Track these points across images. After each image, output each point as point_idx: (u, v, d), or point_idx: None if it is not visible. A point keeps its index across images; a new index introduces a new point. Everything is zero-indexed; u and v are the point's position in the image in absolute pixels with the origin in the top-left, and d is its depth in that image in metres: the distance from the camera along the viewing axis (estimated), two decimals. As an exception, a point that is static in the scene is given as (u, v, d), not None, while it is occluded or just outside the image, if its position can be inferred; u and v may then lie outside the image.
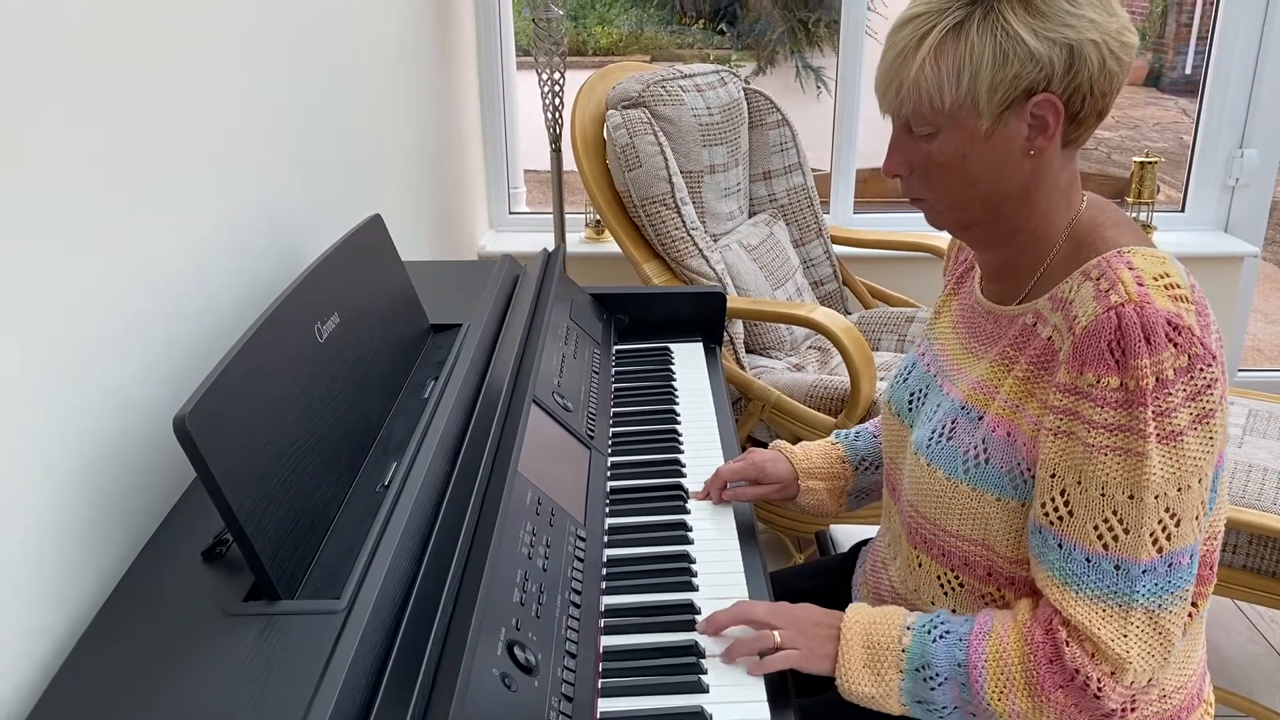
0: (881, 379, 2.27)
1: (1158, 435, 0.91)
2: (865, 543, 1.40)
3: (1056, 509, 0.97)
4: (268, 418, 0.98)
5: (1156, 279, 0.94)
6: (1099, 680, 0.94)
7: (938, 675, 1.00)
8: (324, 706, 0.75)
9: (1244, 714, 1.95)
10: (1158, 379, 0.90)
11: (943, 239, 2.68)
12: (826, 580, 1.41)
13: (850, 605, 1.09)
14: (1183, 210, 3.12)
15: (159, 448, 1.10)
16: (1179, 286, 0.94)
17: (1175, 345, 0.90)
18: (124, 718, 0.79)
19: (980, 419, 1.06)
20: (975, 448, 1.05)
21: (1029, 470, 1.01)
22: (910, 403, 1.20)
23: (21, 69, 0.89)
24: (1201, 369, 0.91)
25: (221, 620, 0.88)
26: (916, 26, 0.99)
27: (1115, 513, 0.93)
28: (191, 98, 1.20)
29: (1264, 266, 4.83)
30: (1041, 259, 1.05)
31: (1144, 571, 0.93)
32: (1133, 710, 1.01)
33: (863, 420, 2.12)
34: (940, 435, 1.09)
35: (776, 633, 1.05)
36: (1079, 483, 0.95)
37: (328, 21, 1.68)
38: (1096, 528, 0.94)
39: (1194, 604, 1.04)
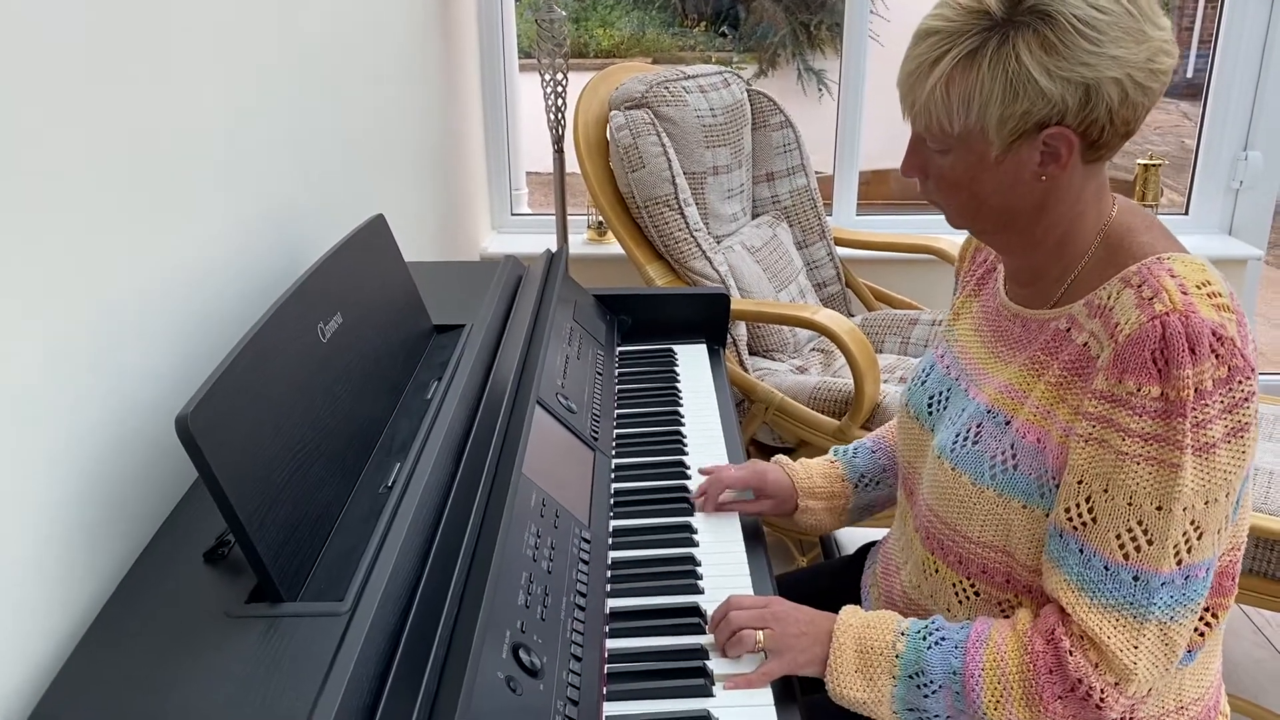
0: (885, 381, 2.26)
1: (1193, 447, 0.89)
2: (873, 544, 1.39)
3: (1080, 514, 0.95)
4: (270, 418, 0.97)
5: (1199, 286, 0.92)
6: (1102, 691, 0.93)
7: (932, 683, 0.99)
8: (328, 709, 0.74)
9: (1251, 719, 1.94)
10: (1196, 389, 0.88)
11: (946, 241, 2.67)
12: (833, 583, 1.39)
13: (844, 608, 1.07)
14: (1186, 213, 3.11)
15: (160, 448, 1.09)
16: (1221, 295, 0.93)
17: (1217, 356, 0.89)
18: (125, 720, 0.78)
19: (1008, 423, 1.04)
20: (1003, 453, 1.03)
21: (1055, 478, 0.99)
22: (930, 406, 1.18)
23: (26, 72, 0.88)
24: (1240, 381, 0.90)
25: (224, 622, 0.87)
26: (932, 46, 0.96)
27: (1140, 522, 0.92)
28: (195, 99, 1.19)
29: (1266, 270, 4.83)
30: (1072, 265, 1.03)
31: (1163, 584, 0.92)
32: (1131, 717, 1.01)
33: (867, 422, 2.11)
34: (965, 439, 1.07)
35: (760, 633, 1.04)
36: (1105, 490, 0.93)
37: (331, 22, 1.67)
38: (1119, 536, 0.93)
39: (1214, 615, 1.02)
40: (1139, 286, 0.94)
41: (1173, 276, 0.93)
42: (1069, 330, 1.01)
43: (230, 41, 1.29)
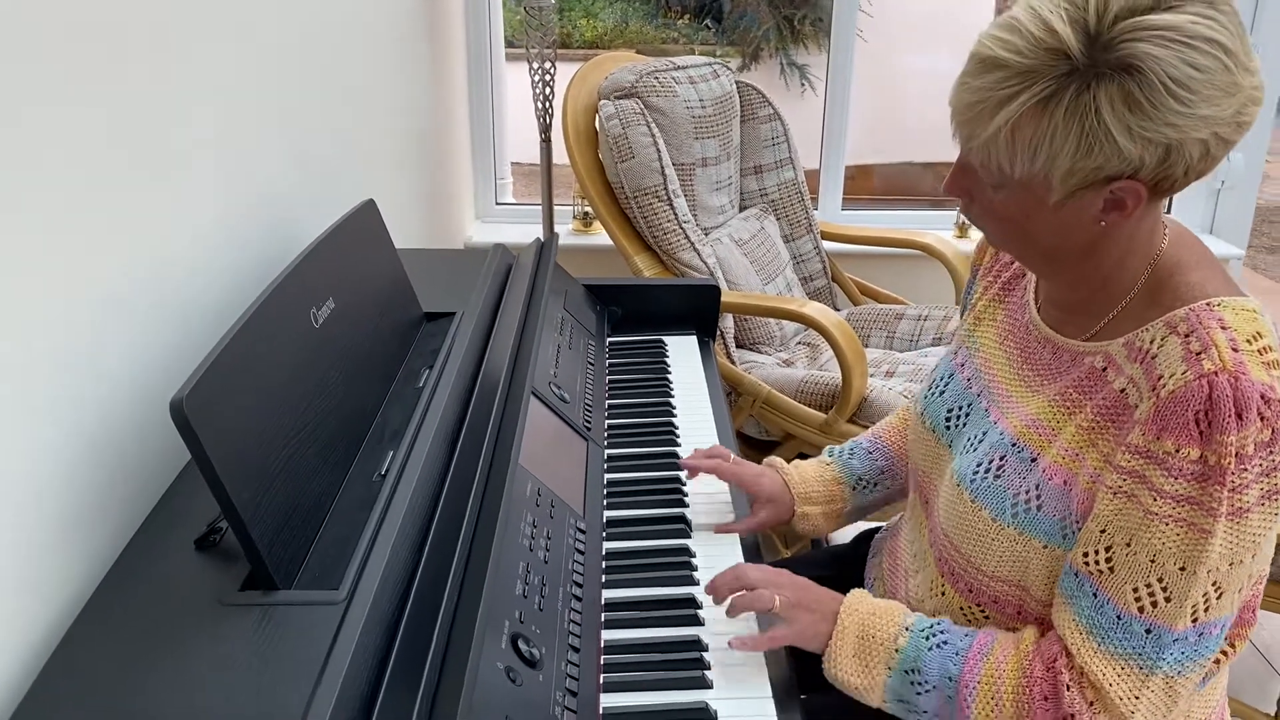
0: (871, 375, 2.26)
1: (1227, 513, 0.85)
2: (873, 531, 1.38)
3: (1099, 561, 0.92)
4: (264, 403, 0.95)
5: (1250, 341, 0.87)
6: None
7: (926, 682, 0.98)
8: (326, 699, 0.73)
9: (1230, 714, 1.96)
10: (1238, 454, 0.84)
11: (932, 236, 2.67)
12: (831, 571, 1.38)
13: (853, 591, 1.06)
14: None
15: (149, 434, 1.07)
16: (1272, 350, 0.87)
17: (1263, 419, 0.84)
18: (116, 711, 0.77)
19: (1034, 461, 0.99)
20: (1027, 492, 0.99)
21: (1079, 521, 0.95)
22: (949, 421, 1.13)
23: (14, 56, 0.86)
24: None
25: (217, 610, 0.86)
26: (999, 82, 0.87)
27: (1161, 580, 0.88)
28: (185, 85, 1.17)
29: (1245, 273, 4.87)
30: (1115, 300, 0.98)
31: (1175, 640, 0.89)
32: None
33: (853, 416, 2.11)
34: (986, 471, 1.03)
35: (777, 596, 1.02)
36: (1128, 544, 0.89)
37: (320, 10, 1.65)
38: (1136, 590, 0.89)
39: (1231, 644, 0.99)
40: (1187, 336, 0.88)
41: (1224, 329, 0.87)
42: (1105, 370, 0.96)
43: (219, 28, 1.27)
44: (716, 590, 1.06)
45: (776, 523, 1.28)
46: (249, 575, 0.89)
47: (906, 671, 0.98)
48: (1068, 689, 0.92)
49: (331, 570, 0.92)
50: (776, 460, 1.33)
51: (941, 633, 1.00)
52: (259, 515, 0.88)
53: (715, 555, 1.20)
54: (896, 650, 1.00)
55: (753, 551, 1.23)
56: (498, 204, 3.14)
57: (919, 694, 0.98)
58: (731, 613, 1.05)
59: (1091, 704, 0.91)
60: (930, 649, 0.99)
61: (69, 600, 0.92)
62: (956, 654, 0.98)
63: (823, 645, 1.02)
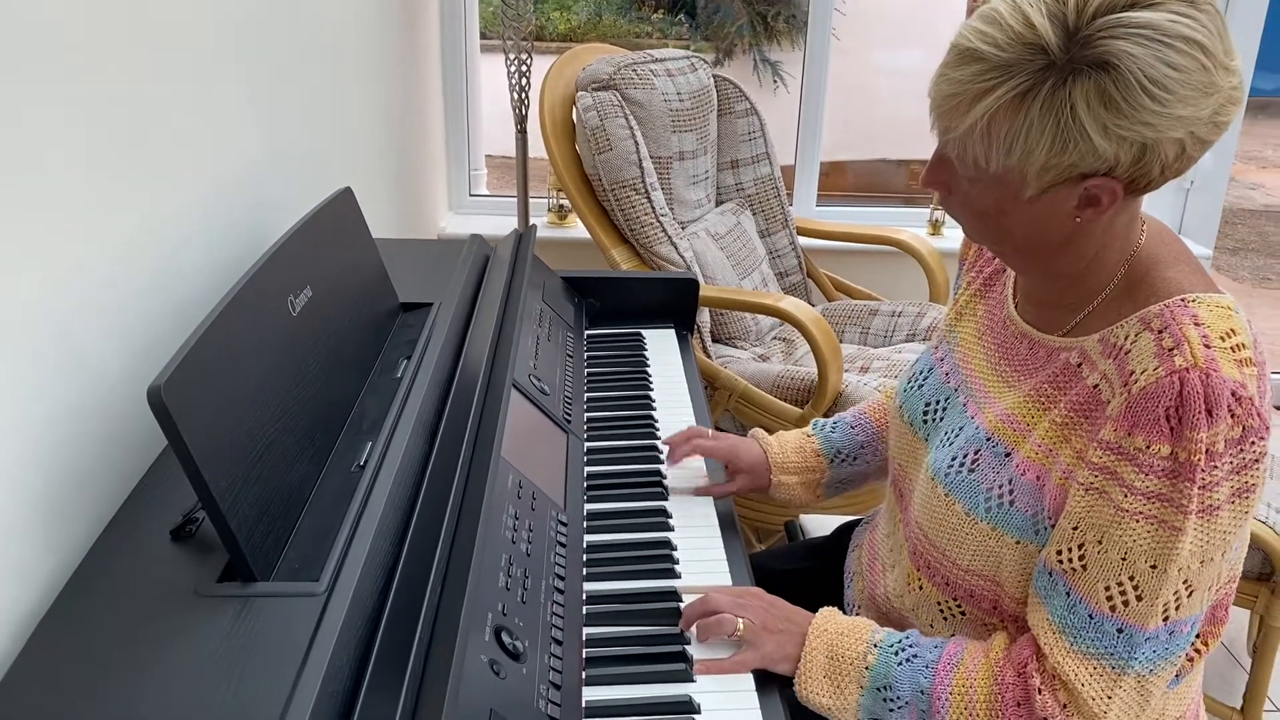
0: (846, 371, 2.26)
1: (1197, 510, 0.85)
2: (854, 525, 1.38)
3: (1071, 559, 0.92)
4: (242, 391, 0.94)
5: (1224, 338, 0.87)
6: None
7: (899, 698, 0.97)
8: (308, 692, 0.71)
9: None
10: (1208, 451, 0.84)
11: (908, 234, 2.68)
12: (811, 563, 1.38)
13: (821, 610, 1.06)
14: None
15: (123, 423, 1.04)
16: (1245, 347, 0.88)
17: (1233, 416, 0.84)
18: (90, 705, 0.75)
19: (1008, 456, 1.00)
20: (1000, 487, 0.99)
21: (1052, 518, 0.95)
22: (926, 415, 1.13)
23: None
24: (1253, 441, 0.85)
25: (194, 602, 0.84)
26: (977, 75, 0.87)
27: (1132, 579, 0.88)
28: (160, 73, 1.15)
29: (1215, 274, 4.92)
30: (1091, 296, 0.98)
31: (1147, 639, 0.89)
32: None
33: (829, 411, 2.11)
34: (961, 465, 1.03)
35: (740, 620, 1.02)
36: (1100, 542, 0.90)
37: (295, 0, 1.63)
38: (1108, 588, 0.90)
39: (1205, 643, 1.00)
40: (1160, 332, 0.89)
41: (1196, 325, 0.88)
42: (1080, 366, 0.96)
43: (194, 16, 1.24)
44: (685, 619, 1.05)
45: (753, 489, 1.31)
46: (226, 566, 0.88)
47: (879, 689, 0.98)
48: (1039, 693, 0.92)
49: (311, 562, 0.90)
50: (759, 431, 1.35)
51: (910, 646, 1.00)
52: (237, 504, 0.86)
53: (696, 548, 1.19)
54: (867, 668, 0.99)
55: (729, 530, 1.23)
56: (471, 195, 3.12)
57: (892, 710, 0.98)
58: (700, 638, 1.04)
59: (1065, 706, 0.91)
60: (900, 664, 0.99)
61: (41, 591, 0.90)
62: (927, 666, 0.98)
63: (792, 668, 1.01)
